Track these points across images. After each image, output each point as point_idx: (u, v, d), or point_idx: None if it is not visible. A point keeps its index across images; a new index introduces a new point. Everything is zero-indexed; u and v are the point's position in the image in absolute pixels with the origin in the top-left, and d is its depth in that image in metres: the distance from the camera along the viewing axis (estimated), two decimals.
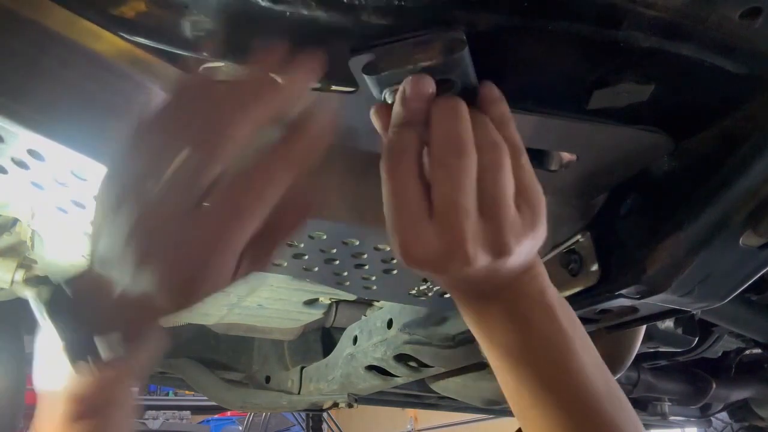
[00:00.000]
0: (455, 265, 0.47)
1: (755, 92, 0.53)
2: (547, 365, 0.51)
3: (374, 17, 0.45)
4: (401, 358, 1.12)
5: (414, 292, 0.78)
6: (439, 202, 0.46)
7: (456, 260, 0.46)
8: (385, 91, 0.49)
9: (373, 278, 0.73)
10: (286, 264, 0.68)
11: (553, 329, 0.51)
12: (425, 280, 0.76)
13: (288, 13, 0.45)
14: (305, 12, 0.44)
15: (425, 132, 0.47)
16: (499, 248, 0.47)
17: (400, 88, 0.47)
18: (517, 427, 0.56)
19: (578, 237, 0.67)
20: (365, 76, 0.47)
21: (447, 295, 0.79)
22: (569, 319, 0.53)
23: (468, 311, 0.55)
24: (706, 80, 0.51)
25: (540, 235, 0.49)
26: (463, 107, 0.47)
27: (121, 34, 0.48)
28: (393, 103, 0.48)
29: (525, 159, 0.49)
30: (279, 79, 0.42)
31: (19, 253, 1.28)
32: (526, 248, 0.48)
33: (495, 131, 0.48)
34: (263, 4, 0.44)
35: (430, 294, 0.79)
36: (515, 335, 0.52)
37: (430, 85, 0.47)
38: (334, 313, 1.26)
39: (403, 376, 1.19)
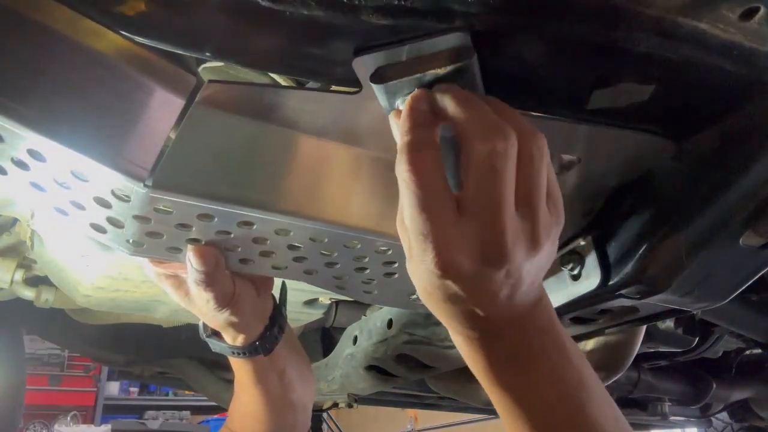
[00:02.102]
0: (492, 268, 0.44)
1: (755, 92, 0.53)
2: (560, 405, 0.48)
3: (375, 17, 0.45)
4: (401, 358, 1.12)
5: (415, 296, 0.77)
6: (476, 195, 0.43)
7: (494, 261, 0.44)
8: (397, 101, 0.48)
9: (374, 282, 0.73)
10: (287, 267, 0.68)
11: (566, 364, 0.49)
12: None
13: (288, 13, 0.45)
14: (305, 12, 0.44)
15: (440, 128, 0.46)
16: (533, 243, 0.45)
17: (405, 105, 0.47)
18: None
19: (579, 238, 0.67)
20: (373, 85, 0.47)
21: None
22: (578, 353, 0.51)
23: (471, 352, 0.51)
24: (706, 80, 0.51)
25: (555, 240, 0.48)
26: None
27: (123, 33, 0.48)
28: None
29: (548, 158, 0.48)
30: None
31: (18, 253, 1.28)
32: (546, 254, 0.47)
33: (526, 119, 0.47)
34: (263, 4, 0.44)
35: None
36: (525, 375, 0.49)
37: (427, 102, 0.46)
38: (334, 313, 1.26)
39: (403, 376, 1.19)
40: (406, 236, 0.46)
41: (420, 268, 0.46)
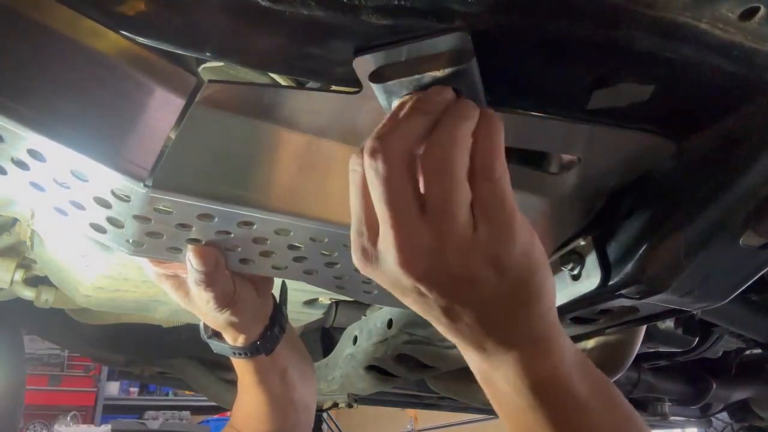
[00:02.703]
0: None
1: (755, 92, 0.53)
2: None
3: (375, 17, 0.45)
4: (401, 358, 1.12)
5: None
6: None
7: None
8: (393, 101, 0.48)
9: (374, 282, 0.73)
10: (287, 267, 0.68)
11: (569, 406, 0.49)
12: None
13: (288, 13, 0.45)
14: (305, 12, 0.44)
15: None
16: (440, 264, 0.45)
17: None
18: None
19: (579, 238, 0.67)
20: (372, 85, 0.47)
21: None
22: (592, 389, 0.50)
23: (470, 363, 0.53)
24: (706, 80, 0.51)
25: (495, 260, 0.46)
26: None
27: (123, 33, 0.48)
28: None
29: (499, 174, 0.46)
30: None
31: (18, 253, 1.28)
32: (492, 291, 0.46)
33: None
34: (263, 4, 0.44)
35: None
36: (526, 412, 0.50)
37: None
38: (334, 313, 1.26)
39: (403, 376, 1.19)
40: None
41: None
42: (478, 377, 0.54)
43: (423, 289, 0.46)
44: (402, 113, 0.46)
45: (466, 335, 0.50)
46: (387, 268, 0.46)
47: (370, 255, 0.46)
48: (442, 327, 0.50)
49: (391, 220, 0.44)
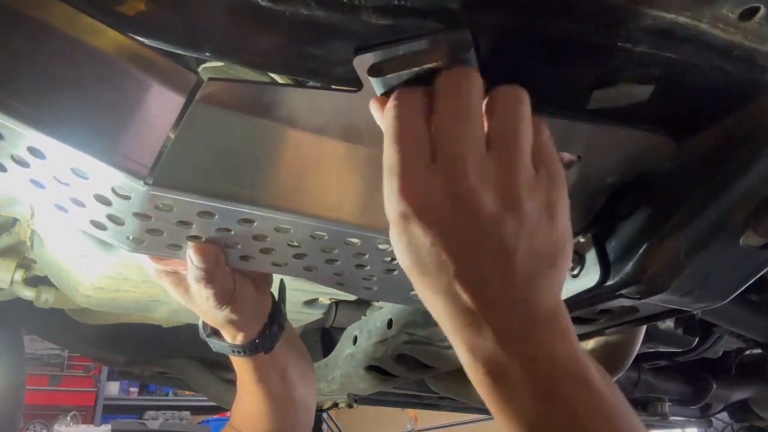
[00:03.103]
0: (460, 212, 0.42)
1: (755, 92, 0.53)
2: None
3: (375, 17, 0.45)
4: (401, 358, 1.12)
5: (414, 293, 0.77)
6: (442, 140, 0.43)
7: (461, 205, 0.42)
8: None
9: (374, 278, 0.73)
10: (287, 264, 0.68)
11: (590, 392, 0.43)
12: None
13: (288, 13, 0.45)
14: (305, 12, 0.44)
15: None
16: (509, 196, 0.43)
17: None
18: None
19: (579, 237, 0.67)
20: (371, 78, 0.47)
21: None
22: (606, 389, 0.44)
23: (475, 377, 0.45)
24: (706, 80, 0.51)
25: (552, 207, 0.45)
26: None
27: (123, 31, 0.48)
28: None
29: (547, 134, 0.47)
30: None
31: (18, 253, 1.28)
32: (532, 218, 0.43)
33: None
34: (263, 3, 0.44)
35: None
36: (539, 412, 0.43)
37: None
38: (333, 313, 1.26)
39: (403, 376, 1.19)
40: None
41: (388, 209, 0.45)
42: (478, 373, 0.45)
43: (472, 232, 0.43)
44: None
45: (486, 309, 0.43)
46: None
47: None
48: (466, 296, 0.44)
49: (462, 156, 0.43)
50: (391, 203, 0.44)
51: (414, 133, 0.45)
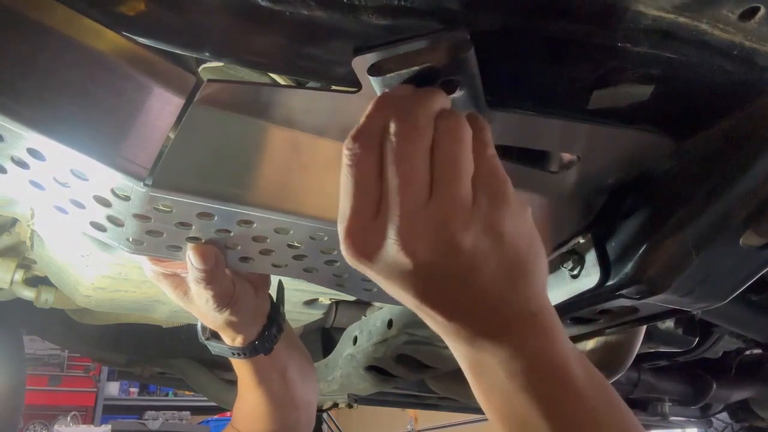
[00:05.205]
0: (398, 267, 0.45)
1: (755, 92, 0.53)
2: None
3: (375, 17, 0.45)
4: (401, 359, 1.12)
5: None
6: (389, 195, 0.44)
7: (399, 261, 0.44)
8: None
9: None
10: (287, 265, 0.68)
11: (566, 390, 0.46)
12: None
13: (288, 13, 0.45)
14: (305, 12, 0.44)
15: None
16: (445, 241, 0.44)
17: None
18: None
19: (579, 237, 0.67)
20: (370, 78, 0.47)
21: None
22: (588, 380, 0.47)
23: (460, 358, 0.51)
24: (706, 80, 0.51)
25: (498, 226, 0.45)
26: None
27: (123, 32, 0.48)
28: None
29: (492, 152, 0.47)
30: None
31: (18, 253, 1.28)
32: (497, 258, 0.45)
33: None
34: (263, 4, 0.44)
35: None
36: (518, 396, 0.46)
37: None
38: (334, 314, 1.26)
39: (403, 376, 1.19)
40: None
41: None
42: (467, 370, 0.51)
43: (422, 271, 0.45)
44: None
45: (460, 319, 0.48)
46: (387, 253, 0.45)
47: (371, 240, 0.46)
48: (437, 315, 0.48)
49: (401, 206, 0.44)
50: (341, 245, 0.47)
51: (363, 187, 0.45)
